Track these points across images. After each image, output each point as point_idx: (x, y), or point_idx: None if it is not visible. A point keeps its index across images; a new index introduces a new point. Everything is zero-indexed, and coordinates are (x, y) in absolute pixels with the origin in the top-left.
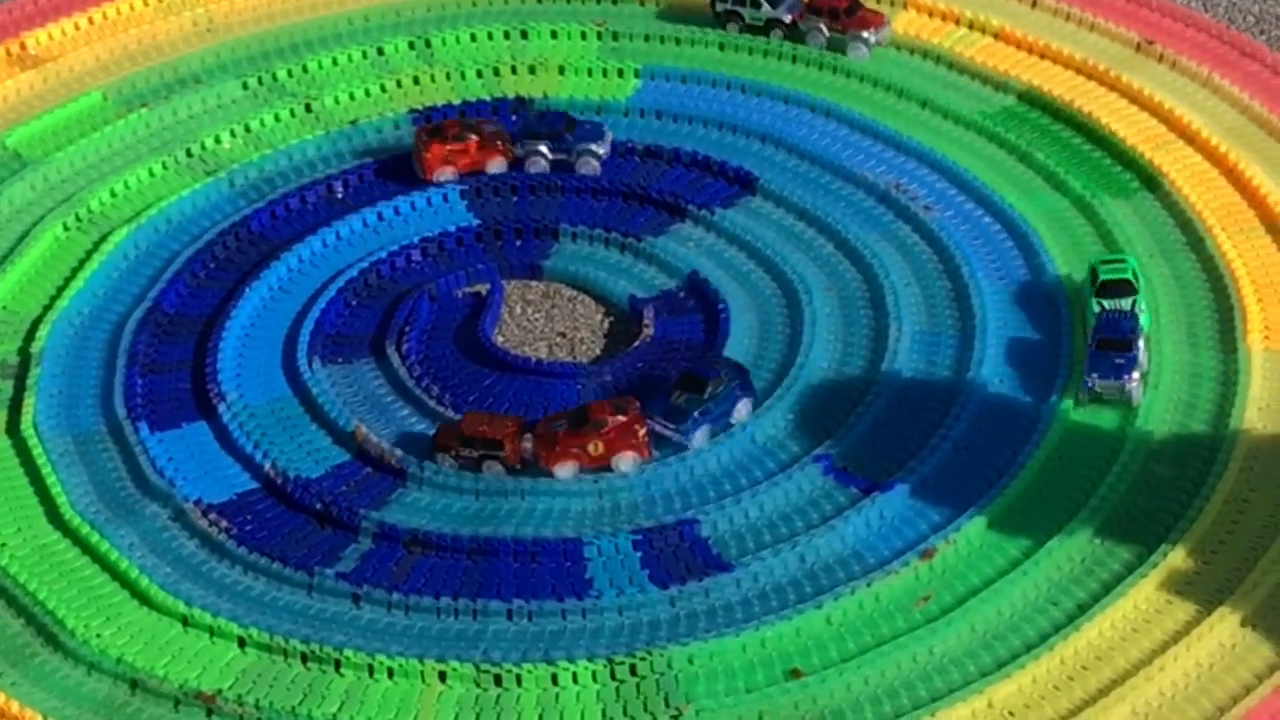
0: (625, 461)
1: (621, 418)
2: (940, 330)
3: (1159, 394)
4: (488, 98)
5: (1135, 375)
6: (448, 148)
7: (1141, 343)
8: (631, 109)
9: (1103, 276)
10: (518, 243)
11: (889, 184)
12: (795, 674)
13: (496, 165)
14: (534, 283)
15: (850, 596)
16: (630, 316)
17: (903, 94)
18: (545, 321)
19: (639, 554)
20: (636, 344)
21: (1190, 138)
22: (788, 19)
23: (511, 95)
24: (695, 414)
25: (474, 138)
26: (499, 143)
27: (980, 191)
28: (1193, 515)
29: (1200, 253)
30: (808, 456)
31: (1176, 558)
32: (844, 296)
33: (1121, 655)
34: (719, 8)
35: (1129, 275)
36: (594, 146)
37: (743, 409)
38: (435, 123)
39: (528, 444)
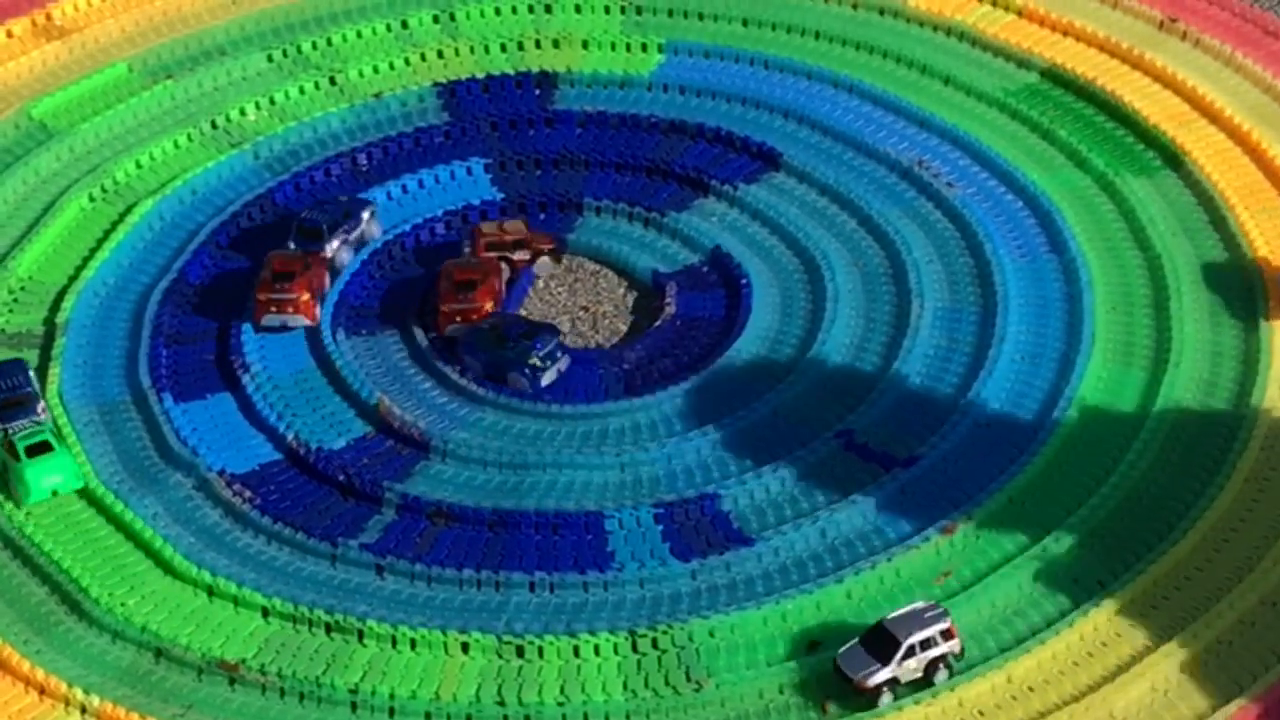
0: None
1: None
2: (962, 307)
3: (1180, 372)
4: (511, 71)
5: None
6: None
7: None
8: (655, 84)
9: None
10: (541, 216)
11: (912, 160)
12: (813, 646)
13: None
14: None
15: (870, 571)
16: (653, 291)
17: (926, 71)
18: (568, 296)
19: (660, 527)
20: (659, 322)
21: (1213, 116)
22: None
23: (535, 70)
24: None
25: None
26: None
27: (1003, 169)
28: (1213, 493)
29: (1222, 231)
30: (829, 432)
31: (1196, 535)
32: (866, 272)
33: (1142, 632)
34: None
35: None
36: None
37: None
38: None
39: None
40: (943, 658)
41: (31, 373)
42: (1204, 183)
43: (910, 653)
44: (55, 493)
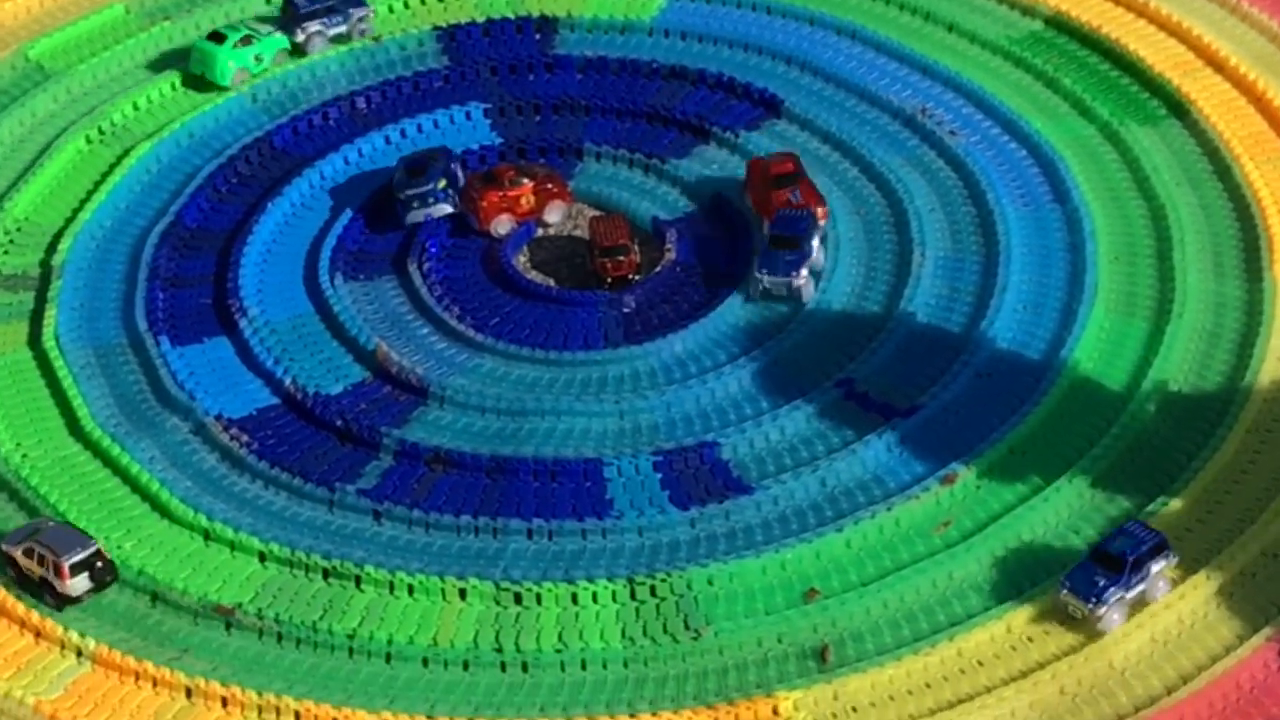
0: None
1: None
2: (964, 256)
3: (1183, 323)
4: (511, 16)
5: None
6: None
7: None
8: (656, 29)
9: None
10: (541, 161)
11: (915, 108)
12: (811, 594)
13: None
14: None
15: (870, 520)
16: (653, 238)
17: (929, 18)
18: (568, 242)
19: (659, 475)
20: (659, 269)
21: (1218, 65)
22: None
23: (535, 14)
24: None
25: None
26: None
27: (1006, 117)
28: (1215, 445)
29: (1227, 181)
30: (829, 381)
31: (1198, 486)
32: (868, 221)
33: None
34: None
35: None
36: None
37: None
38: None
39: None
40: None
41: None
42: (1209, 132)
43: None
44: None
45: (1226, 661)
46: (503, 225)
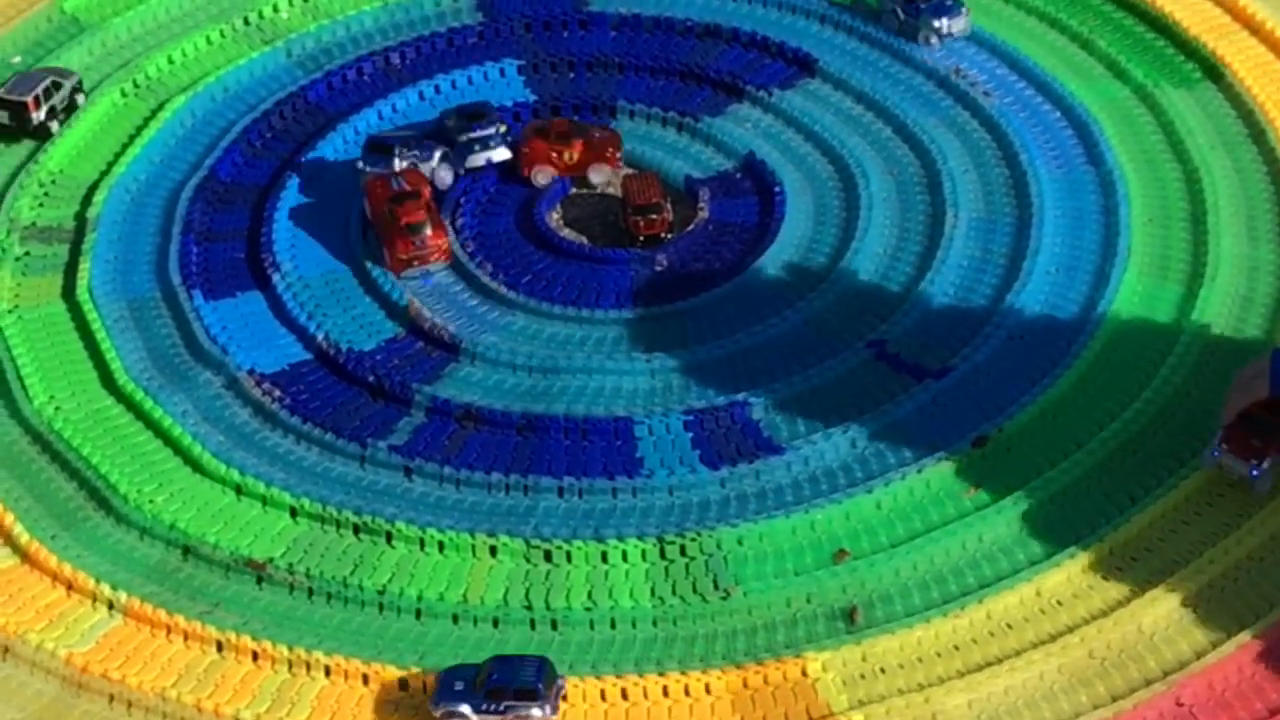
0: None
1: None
2: (997, 217)
3: (1216, 287)
4: None
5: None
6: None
7: None
8: None
9: None
10: (575, 119)
11: (949, 69)
12: (841, 555)
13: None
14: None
15: (900, 482)
16: (686, 197)
17: None
18: (601, 200)
19: (690, 434)
20: (691, 227)
21: (1254, 28)
22: None
23: None
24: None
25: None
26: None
27: (1040, 78)
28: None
29: (1262, 145)
30: (860, 341)
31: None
32: (901, 182)
33: (1172, 547)
34: None
35: None
36: None
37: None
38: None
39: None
40: None
41: None
42: (1244, 95)
43: None
44: None
45: (1261, 624)
46: (543, 175)
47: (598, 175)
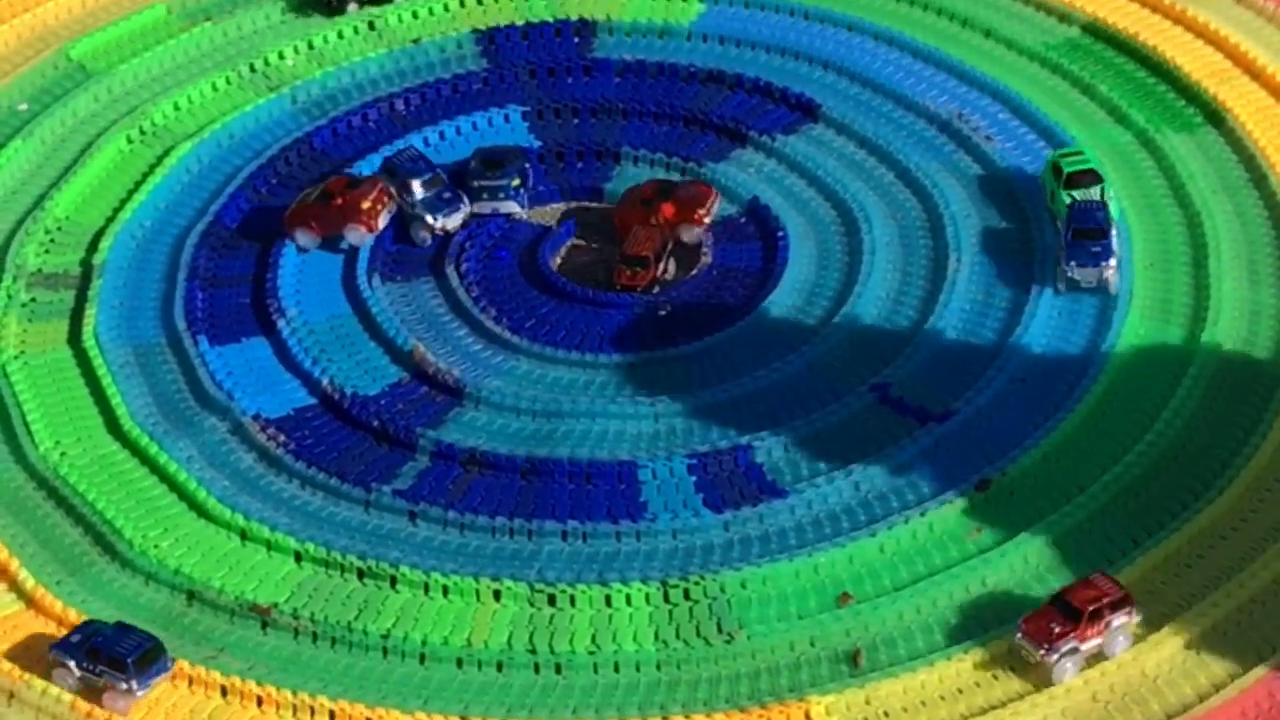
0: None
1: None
2: (1000, 262)
3: (1218, 330)
4: (550, 19)
5: (1111, 262)
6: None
7: (1114, 231)
8: (695, 33)
9: (1067, 169)
10: (579, 165)
11: (951, 113)
12: (844, 598)
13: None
14: (594, 205)
15: (904, 525)
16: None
17: (966, 23)
18: (605, 244)
19: (693, 478)
20: (694, 271)
21: (1255, 73)
22: None
23: (574, 17)
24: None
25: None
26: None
27: (1042, 123)
28: (1249, 453)
29: (1263, 189)
30: (864, 385)
31: (1232, 494)
32: (903, 226)
33: (1175, 590)
34: None
35: (1092, 165)
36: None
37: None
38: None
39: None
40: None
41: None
42: (1245, 140)
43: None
44: None
45: (1260, 669)
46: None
47: (689, 235)
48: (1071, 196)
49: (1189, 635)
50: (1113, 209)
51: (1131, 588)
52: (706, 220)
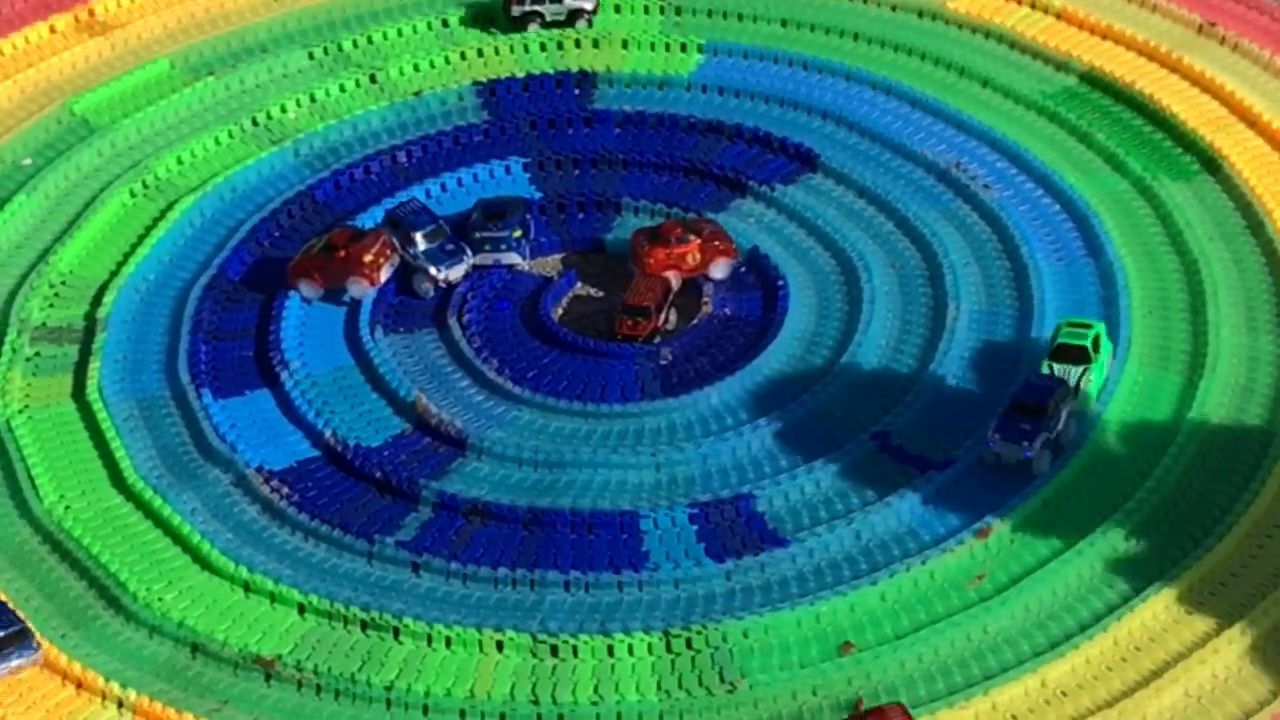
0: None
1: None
2: (999, 310)
3: (1216, 378)
4: (550, 71)
5: (1038, 444)
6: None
7: (1066, 412)
8: (694, 84)
9: (1060, 339)
10: (580, 216)
11: (949, 162)
12: (846, 647)
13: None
14: (595, 255)
15: (905, 573)
16: (691, 291)
17: (964, 73)
18: (606, 295)
19: (695, 528)
20: (695, 321)
21: (1251, 121)
22: (590, 5)
23: (574, 69)
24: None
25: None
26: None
27: (1040, 171)
28: (1249, 499)
29: (1260, 236)
30: (865, 433)
31: (1231, 541)
32: (903, 275)
33: (1175, 637)
34: (515, 11)
35: (1087, 342)
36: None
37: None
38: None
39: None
40: None
41: None
42: (1242, 187)
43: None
44: None
45: (1260, 717)
46: (672, 281)
47: (720, 271)
48: (1050, 367)
49: (1190, 684)
50: (1092, 389)
51: (1135, 633)
52: (736, 252)
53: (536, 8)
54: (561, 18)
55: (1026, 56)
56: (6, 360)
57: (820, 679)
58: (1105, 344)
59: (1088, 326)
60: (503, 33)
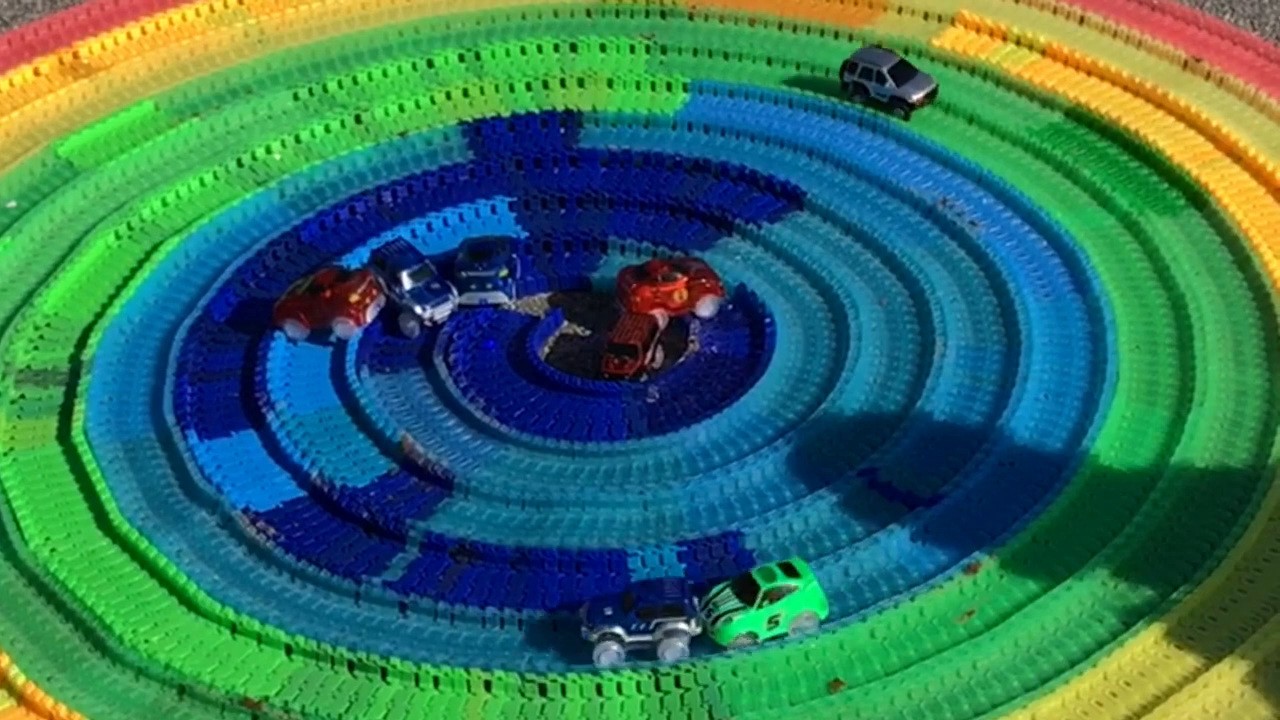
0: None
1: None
2: (986, 346)
3: (1204, 411)
4: (536, 110)
5: (614, 648)
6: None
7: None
8: (679, 122)
9: (753, 573)
10: (566, 255)
11: (936, 199)
12: (835, 684)
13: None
14: (582, 294)
15: (894, 610)
16: (678, 329)
17: (950, 110)
18: (593, 334)
19: (683, 565)
20: (682, 359)
21: (1237, 156)
22: (914, 98)
23: (560, 109)
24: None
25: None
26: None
27: (1027, 208)
28: (1238, 533)
29: (1247, 271)
30: (852, 470)
31: (1220, 576)
32: (890, 311)
33: (1165, 671)
34: (846, 79)
35: (765, 584)
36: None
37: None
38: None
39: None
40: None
41: None
42: (1228, 222)
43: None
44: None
45: None
46: (659, 320)
47: (707, 309)
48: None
49: (1182, 716)
50: (730, 630)
51: (1124, 668)
52: (723, 290)
53: (864, 82)
54: (884, 100)
55: (1012, 93)
56: None
57: (810, 716)
58: (796, 600)
59: (789, 566)
60: (490, 75)
